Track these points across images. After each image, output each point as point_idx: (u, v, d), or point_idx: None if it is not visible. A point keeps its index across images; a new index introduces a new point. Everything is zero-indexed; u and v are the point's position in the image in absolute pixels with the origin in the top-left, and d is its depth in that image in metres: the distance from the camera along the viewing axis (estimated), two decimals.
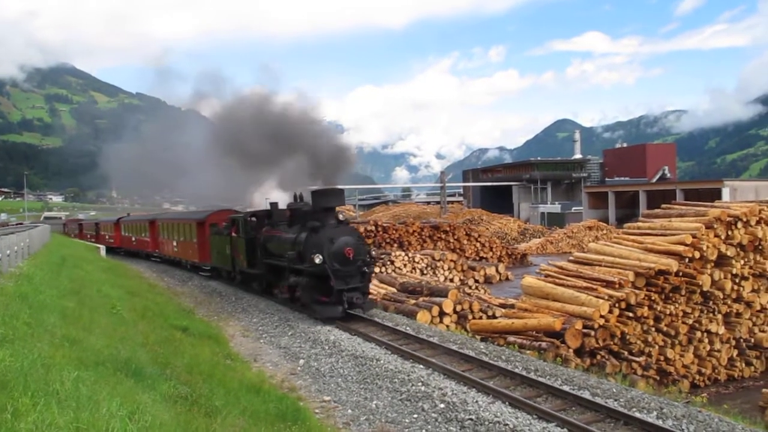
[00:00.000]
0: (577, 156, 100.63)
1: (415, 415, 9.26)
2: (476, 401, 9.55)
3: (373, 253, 16.85)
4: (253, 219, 21.61)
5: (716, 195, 50.03)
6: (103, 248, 41.04)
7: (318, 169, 17.39)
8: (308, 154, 17.59)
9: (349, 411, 9.72)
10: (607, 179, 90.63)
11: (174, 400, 7.18)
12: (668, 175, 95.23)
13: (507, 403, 9.39)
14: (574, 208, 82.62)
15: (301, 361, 12.87)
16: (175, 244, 32.87)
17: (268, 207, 22.09)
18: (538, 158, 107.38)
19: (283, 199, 21.64)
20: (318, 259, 15.64)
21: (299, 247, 16.92)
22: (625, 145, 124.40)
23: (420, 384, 10.60)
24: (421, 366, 11.65)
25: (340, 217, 16.83)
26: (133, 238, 42.95)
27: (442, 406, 9.52)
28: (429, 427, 8.78)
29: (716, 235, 17.45)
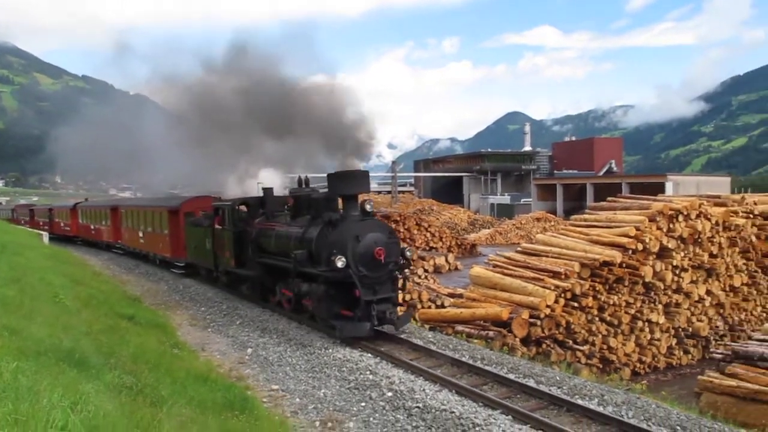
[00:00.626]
0: (527, 148, 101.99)
1: (363, 404, 9.32)
2: (423, 389, 9.66)
3: (409, 253, 13.72)
4: (243, 208, 18.17)
5: (660, 189, 51.37)
6: (46, 235, 39.35)
7: (335, 147, 14.87)
8: (321, 127, 15.15)
9: (297, 400, 9.73)
10: (555, 172, 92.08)
11: (119, 390, 7.08)
12: (615, 168, 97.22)
13: (453, 391, 9.53)
14: (523, 200, 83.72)
15: (250, 350, 12.81)
16: (141, 234, 28.67)
17: (260, 194, 18.54)
18: (489, 150, 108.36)
19: (274, 184, 19.07)
20: (341, 263, 12.36)
21: (309, 245, 13.60)
22: (573, 138, 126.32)
23: (368, 373, 10.67)
24: (369, 355, 11.72)
25: (368, 207, 13.20)
26: (92, 227, 38.66)
27: (390, 394, 9.60)
28: (377, 415, 8.85)
29: (658, 228, 17.93)
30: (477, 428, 8.06)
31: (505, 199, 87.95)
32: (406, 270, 13.97)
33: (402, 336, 12.82)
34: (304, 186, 16.49)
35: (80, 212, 42.34)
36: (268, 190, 18.17)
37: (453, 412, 8.61)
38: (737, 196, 22.88)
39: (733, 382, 11.45)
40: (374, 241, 12.77)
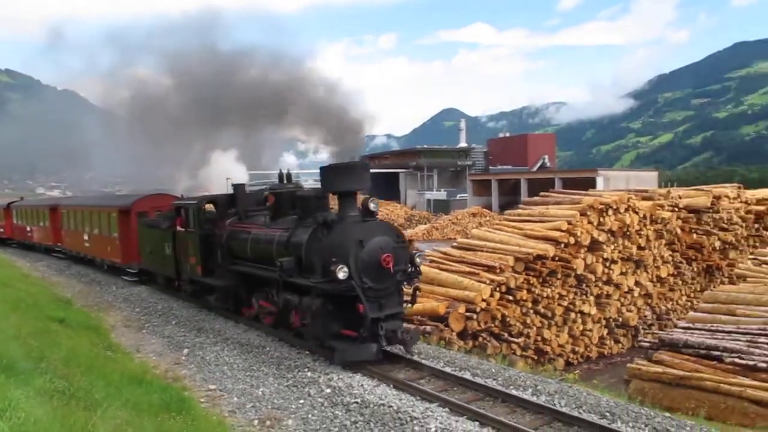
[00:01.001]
0: (463, 144, 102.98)
1: (302, 401, 9.34)
2: (361, 385, 9.75)
3: (420, 260, 11.80)
4: (211, 207, 16.19)
5: (591, 183, 52.70)
6: None
7: (330, 136, 13.00)
8: (310, 114, 13.48)
9: (235, 399, 9.68)
10: (490, 167, 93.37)
11: (50, 395, 6.92)
12: (548, 164, 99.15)
13: (391, 385, 9.64)
14: (459, 195, 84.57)
15: (186, 351, 12.66)
16: (86, 237, 25.68)
17: (230, 190, 16.62)
18: (425, 146, 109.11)
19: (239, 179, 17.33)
20: (343, 273, 10.30)
21: (298, 250, 11.57)
22: (508, 134, 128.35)
23: (306, 370, 10.70)
24: (307, 352, 11.73)
25: (372, 206, 11.23)
26: (29, 228, 35.40)
27: (329, 391, 9.65)
28: (315, 411, 8.88)
29: (589, 222, 18.42)
30: (415, 421, 8.19)
31: (442, 194, 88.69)
32: (416, 279, 11.97)
33: None
34: (285, 181, 14.38)
35: (15, 212, 39.13)
36: (239, 187, 16.19)
37: (391, 406, 8.72)
38: (663, 191, 23.70)
39: (659, 369, 11.89)
40: (380, 246, 10.77)
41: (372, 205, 11.23)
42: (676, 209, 21.56)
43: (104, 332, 14.14)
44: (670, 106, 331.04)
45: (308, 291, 11.31)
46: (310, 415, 8.77)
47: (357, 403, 9.02)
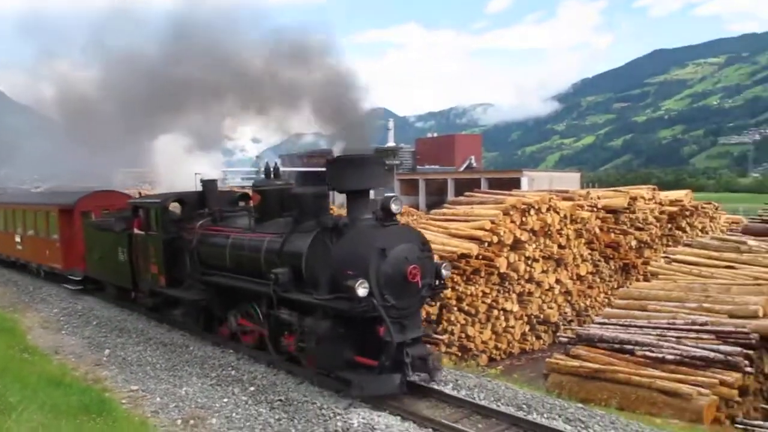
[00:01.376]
0: (391, 144, 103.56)
1: (226, 399, 9.34)
2: (285, 383, 9.81)
3: (446, 272, 9.92)
4: (177, 206, 14.11)
5: (516, 184, 53.96)
6: None
7: (334, 122, 10.28)
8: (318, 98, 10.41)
9: (158, 399, 9.58)
10: (418, 167, 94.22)
11: None
12: (474, 164, 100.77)
13: (315, 383, 9.71)
14: (388, 194, 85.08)
15: (107, 351, 12.41)
16: (18, 239, 22.66)
17: (199, 188, 14.22)
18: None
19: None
20: (363, 289, 8.44)
21: (296, 260, 9.77)
22: (435, 134, 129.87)
23: (230, 369, 10.68)
24: (231, 351, 11.68)
25: (394, 206, 9.20)
26: None
27: (253, 389, 9.67)
28: (239, 410, 8.90)
29: (512, 221, 18.89)
30: (338, 417, 8.31)
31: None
32: (442, 294, 10.14)
33: None
34: (272, 177, 12.19)
35: None
36: (209, 183, 14.03)
37: (315, 403, 8.82)
38: (583, 191, 24.54)
39: (576, 363, 12.34)
40: (405, 255, 8.96)
41: (394, 206, 9.19)
42: (595, 209, 22.32)
43: (20, 334, 13.70)
44: (593, 109, 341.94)
45: (310, 309, 9.43)
46: (234, 414, 8.78)
47: (281, 400, 9.09)
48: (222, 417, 8.70)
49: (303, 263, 9.68)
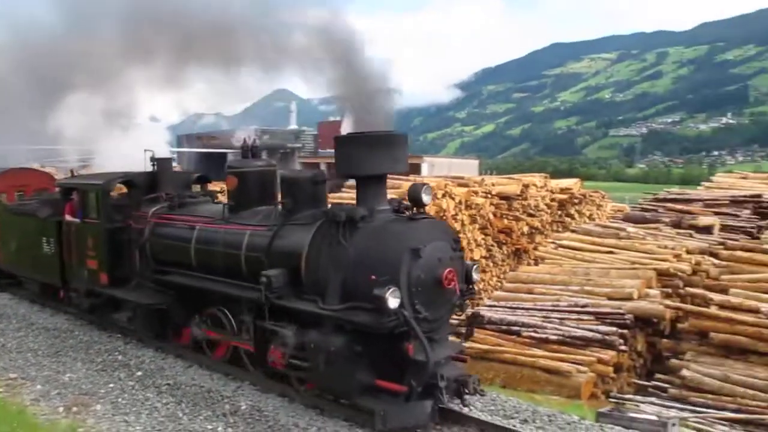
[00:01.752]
0: (293, 127, 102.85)
1: (112, 385, 9.11)
2: (173, 367, 9.67)
3: (477, 275, 8.37)
4: (122, 189, 11.97)
5: (416, 169, 54.61)
6: None
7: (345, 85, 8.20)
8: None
9: (39, 386, 9.23)
10: (320, 150, 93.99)
11: None
12: None
13: (204, 366, 9.61)
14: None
15: None
16: None
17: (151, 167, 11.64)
18: (255, 126, 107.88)
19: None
20: (395, 299, 6.77)
21: (293, 260, 7.95)
22: (338, 118, 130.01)
23: (117, 353, 10.42)
24: (119, 335, 11.39)
25: (425, 196, 7.67)
26: None
27: (140, 373, 9.48)
28: (125, 395, 8.71)
29: None
30: (226, 399, 8.30)
31: None
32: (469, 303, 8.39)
33: None
34: (250, 155, 9.88)
35: None
36: (164, 162, 11.76)
37: (203, 387, 8.76)
38: (478, 178, 25.20)
39: (465, 344, 12.75)
40: (438, 256, 7.37)
41: (425, 196, 7.67)
42: (489, 196, 22.97)
43: None
44: (494, 98, 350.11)
45: (312, 321, 7.67)
46: (120, 399, 8.60)
47: (169, 384, 8.97)
48: (107, 403, 8.49)
49: (302, 264, 7.87)
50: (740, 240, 15.57)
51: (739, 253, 13.58)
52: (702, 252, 15.19)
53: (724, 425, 9.88)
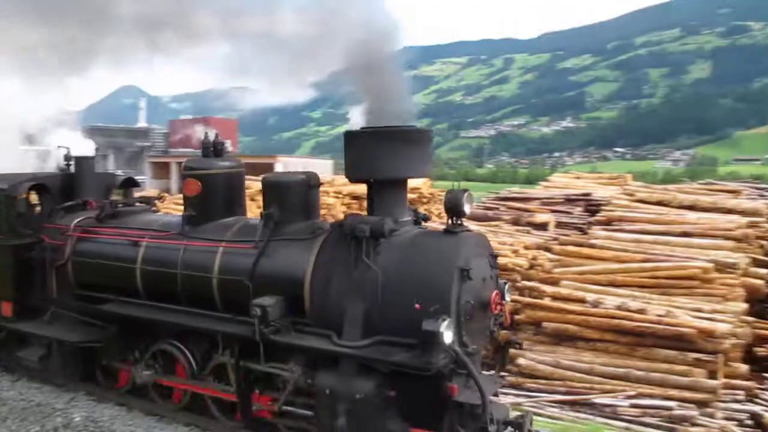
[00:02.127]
0: (142, 124, 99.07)
1: None
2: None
3: (509, 296, 7.10)
4: (33, 196, 9.35)
5: (270, 169, 54.11)
6: None
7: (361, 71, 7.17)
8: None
9: None
10: (171, 150, 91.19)
11: None
12: (230, 148, 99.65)
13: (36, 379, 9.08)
14: (138, 178, 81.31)
15: None
16: None
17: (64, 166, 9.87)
18: (100, 125, 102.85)
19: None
20: (450, 334, 5.53)
21: (296, 287, 6.58)
22: (190, 117, 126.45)
23: None
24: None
25: (467, 206, 6.28)
26: None
27: None
28: None
29: (259, 207, 18.94)
30: (58, 412, 7.93)
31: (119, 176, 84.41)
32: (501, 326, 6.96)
33: None
34: (215, 149, 8.26)
35: None
36: (84, 162, 9.57)
37: (32, 401, 8.31)
38: (330, 178, 25.35)
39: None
40: (482, 276, 6.28)
41: (467, 205, 6.28)
42: (340, 195, 23.18)
43: None
44: (348, 99, 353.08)
45: (323, 360, 6.30)
46: None
47: None
48: None
49: (305, 289, 6.48)
50: (572, 235, 16.63)
51: (570, 247, 14.54)
52: (538, 247, 16.10)
53: (554, 407, 10.54)
